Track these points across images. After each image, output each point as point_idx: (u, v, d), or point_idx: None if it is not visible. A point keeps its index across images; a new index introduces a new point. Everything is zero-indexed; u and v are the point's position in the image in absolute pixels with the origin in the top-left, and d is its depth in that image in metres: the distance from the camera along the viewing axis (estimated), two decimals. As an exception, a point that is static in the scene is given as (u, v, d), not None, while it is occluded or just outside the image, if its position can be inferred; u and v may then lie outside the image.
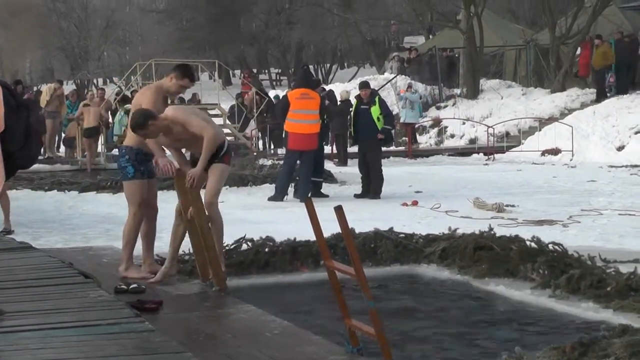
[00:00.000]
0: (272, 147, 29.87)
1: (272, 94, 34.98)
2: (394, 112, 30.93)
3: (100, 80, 63.76)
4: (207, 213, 8.20)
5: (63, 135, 28.16)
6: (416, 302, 8.70)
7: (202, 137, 8.15)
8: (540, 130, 27.55)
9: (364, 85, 17.29)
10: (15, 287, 7.61)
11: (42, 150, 25.51)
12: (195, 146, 8.30)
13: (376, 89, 31.12)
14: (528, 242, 9.39)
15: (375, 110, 16.38)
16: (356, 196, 16.35)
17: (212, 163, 8.27)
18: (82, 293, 7.40)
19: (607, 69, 28.83)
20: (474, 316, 8.06)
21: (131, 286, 7.97)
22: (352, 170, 19.31)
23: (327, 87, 31.74)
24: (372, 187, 16.40)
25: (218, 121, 29.27)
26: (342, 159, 24.13)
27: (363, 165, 16.71)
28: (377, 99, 16.66)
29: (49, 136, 27.26)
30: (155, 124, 8.09)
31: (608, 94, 28.58)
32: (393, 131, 17.43)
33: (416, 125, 29.70)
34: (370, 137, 16.48)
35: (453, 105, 32.32)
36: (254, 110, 30.10)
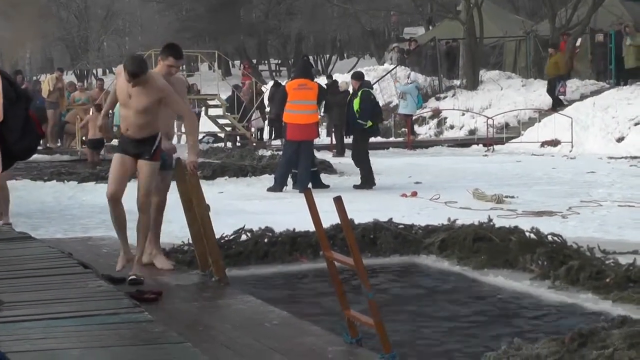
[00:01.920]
0: (271, 137, 29.87)
1: (271, 84, 34.93)
2: (392, 104, 31.21)
3: (100, 71, 63.71)
4: (139, 211, 8.07)
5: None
6: (415, 293, 8.71)
7: (151, 119, 8.00)
8: (539, 121, 27.53)
9: (354, 76, 17.48)
10: (15, 277, 7.62)
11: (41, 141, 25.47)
12: (140, 123, 8.00)
13: (375, 79, 31.22)
14: (527, 233, 9.39)
15: (356, 103, 16.45)
16: (355, 187, 16.35)
17: (141, 156, 8.05)
18: (82, 283, 7.41)
19: (559, 78, 28.79)
20: (472, 307, 8.06)
21: (130, 277, 7.95)
22: (350, 160, 19.30)
23: (334, 77, 31.82)
24: (361, 178, 16.47)
25: (217, 112, 29.32)
26: (339, 149, 24.15)
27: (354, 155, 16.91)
28: (360, 92, 16.62)
29: (49, 127, 27.26)
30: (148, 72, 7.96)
31: (553, 106, 28.50)
32: (368, 124, 17.07)
33: (414, 117, 29.57)
34: (354, 128, 16.62)
35: (453, 96, 32.28)
36: (253, 102, 30.08)
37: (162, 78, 8.15)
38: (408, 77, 30.48)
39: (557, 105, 28.22)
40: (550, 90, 28.92)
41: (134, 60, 7.93)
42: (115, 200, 8.06)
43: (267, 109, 30.67)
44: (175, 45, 8.75)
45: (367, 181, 16.38)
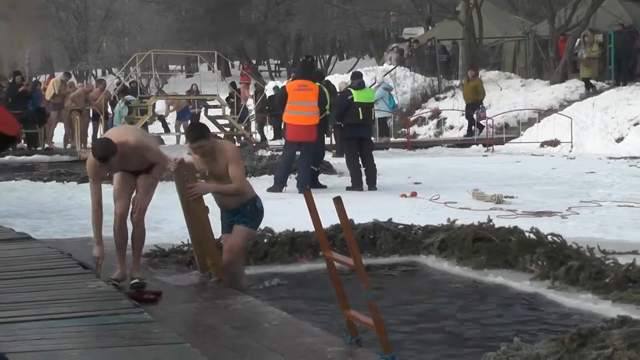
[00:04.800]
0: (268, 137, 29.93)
1: (271, 85, 34.95)
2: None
3: (100, 71, 63.69)
4: (134, 225, 8.01)
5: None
6: (414, 294, 8.70)
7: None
8: (539, 121, 27.55)
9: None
10: (14, 278, 7.62)
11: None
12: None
13: (374, 80, 31.23)
14: (527, 234, 9.39)
15: None
16: (347, 189, 16.27)
17: (147, 170, 8.00)
18: (81, 284, 7.41)
19: (478, 103, 28.65)
20: (472, 307, 8.06)
21: (132, 282, 7.94)
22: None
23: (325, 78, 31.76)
24: (351, 180, 16.52)
25: (217, 112, 29.33)
26: (339, 150, 24.14)
27: None
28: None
29: (52, 128, 27.33)
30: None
31: (474, 130, 28.42)
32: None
33: (388, 119, 29.27)
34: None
35: (452, 96, 32.30)
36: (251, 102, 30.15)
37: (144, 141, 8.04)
38: (374, 81, 30.41)
39: (479, 129, 28.19)
40: (469, 115, 28.84)
41: (98, 146, 7.79)
42: (123, 217, 8.06)
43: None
44: (193, 130, 8.05)
45: (354, 183, 16.34)
